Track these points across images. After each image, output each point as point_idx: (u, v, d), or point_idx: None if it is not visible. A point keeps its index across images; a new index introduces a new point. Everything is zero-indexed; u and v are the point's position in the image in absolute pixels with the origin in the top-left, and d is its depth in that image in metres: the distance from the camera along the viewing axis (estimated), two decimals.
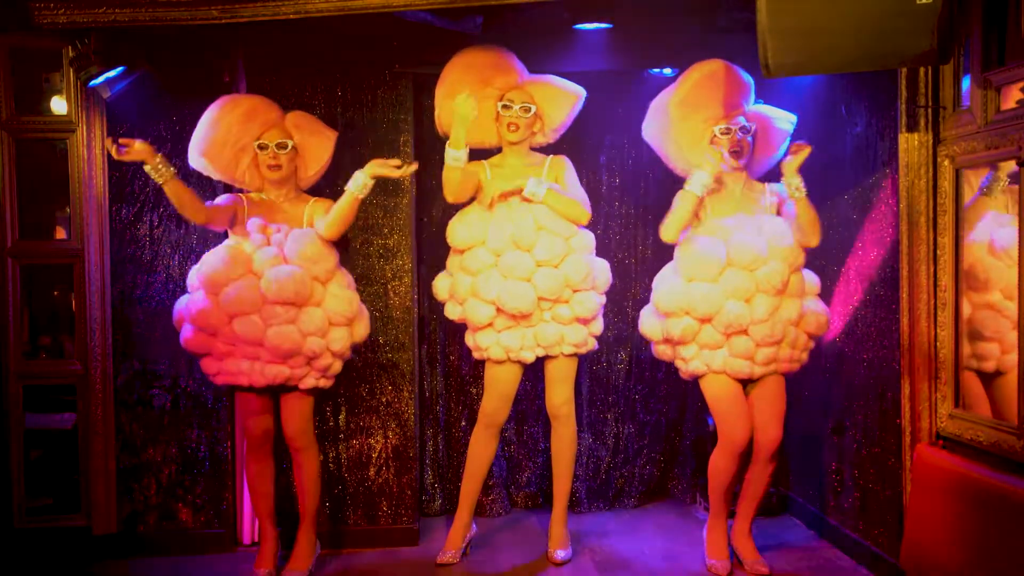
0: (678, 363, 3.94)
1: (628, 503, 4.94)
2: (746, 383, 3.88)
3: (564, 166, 4.05)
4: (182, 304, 3.86)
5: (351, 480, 4.38)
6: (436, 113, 4.10)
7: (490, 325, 3.95)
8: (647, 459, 4.98)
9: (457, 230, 3.97)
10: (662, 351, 3.99)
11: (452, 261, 4.06)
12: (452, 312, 4.07)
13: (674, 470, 5.02)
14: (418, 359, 4.62)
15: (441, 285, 4.09)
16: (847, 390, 4.12)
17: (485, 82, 4.02)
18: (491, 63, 4.02)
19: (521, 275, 3.86)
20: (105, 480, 4.25)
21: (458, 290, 3.99)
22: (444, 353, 4.86)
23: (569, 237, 3.93)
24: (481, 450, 4.09)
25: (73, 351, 4.29)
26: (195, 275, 3.83)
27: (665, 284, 3.87)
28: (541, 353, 4.00)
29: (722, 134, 3.81)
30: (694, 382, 4.00)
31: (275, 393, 3.91)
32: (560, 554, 4.11)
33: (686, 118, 3.87)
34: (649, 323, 3.98)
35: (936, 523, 3.20)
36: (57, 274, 4.38)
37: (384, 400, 4.38)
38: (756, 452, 3.90)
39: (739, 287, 3.69)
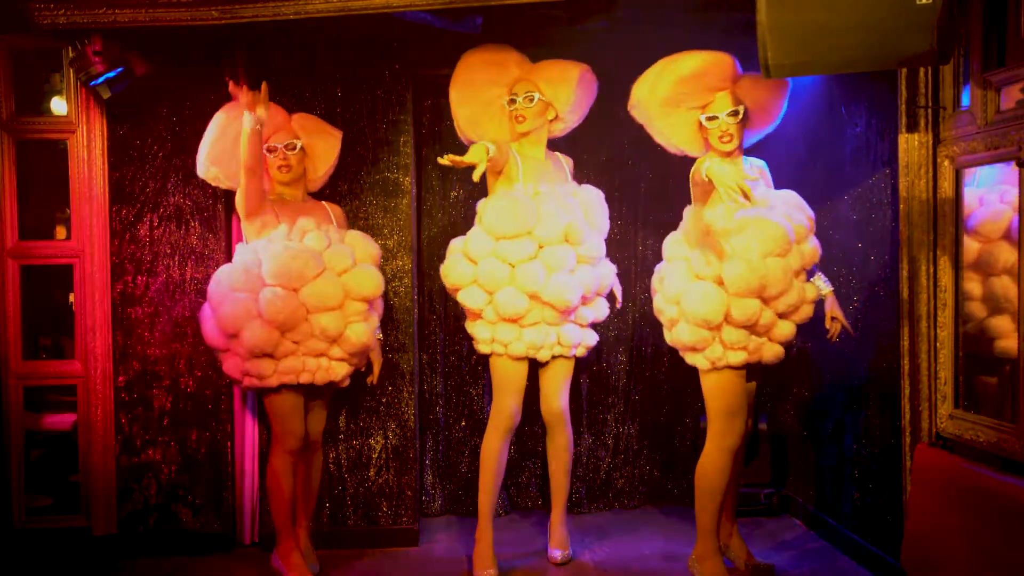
0: (681, 353, 3.77)
1: (628, 504, 4.94)
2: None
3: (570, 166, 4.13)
4: (237, 305, 3.64)
5: (351, 481, 4.37)
6: (456, 123, 4.08)
7: (518, 319, 3.78)
8: (647, 460, 4.98)
9: (501, 217, 3.73)
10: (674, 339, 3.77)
11: (476, 246, 3.80)
12: (472, 299, 3.81)
13: (674, 471, 5.02)
14: (418, 360, 4.62)
15: (460, 271, 3.82)
16: (847, 390, 4.12)
17: (491, 82, 4.01)
18: (493, 61, 4.01)
19: (568, 269, 3.79)
20: (105, 480, 4.26)
21: (490, 278, 3.76)
22: (444, 354, 4.85)
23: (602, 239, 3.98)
24: (500, 458, 3.90)
25: (73, 351, 4.29)
26: (242, 274, 3.67)
27: (696, 292, 3.56)
28: (558, 352, 3.92)
29: (708, 121, 3.68)
30: (694, 381, 3.96)
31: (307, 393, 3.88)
32: (560, 554, 4.11)
33: (668, 115, 3.75)
34: (659, 304, 3.79)
35: (936, 523, 3.20)
36: (57, 274, 4.38)
37: (384, 401, 4.38)
38: None
39: (774, 278, 3.50)
